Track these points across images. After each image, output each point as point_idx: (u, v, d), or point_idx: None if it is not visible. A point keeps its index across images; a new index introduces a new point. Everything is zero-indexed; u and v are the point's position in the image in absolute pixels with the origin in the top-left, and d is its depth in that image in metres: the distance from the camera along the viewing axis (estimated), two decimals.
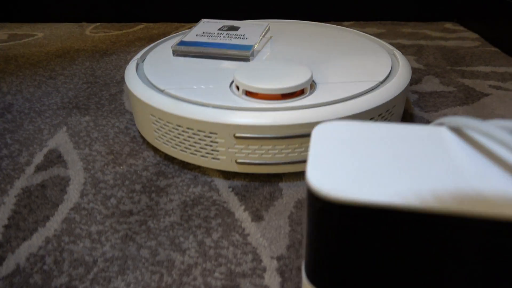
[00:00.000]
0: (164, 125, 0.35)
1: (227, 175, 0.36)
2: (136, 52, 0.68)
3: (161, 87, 0.37)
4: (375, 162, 0.15)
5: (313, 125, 0.32)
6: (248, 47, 0.42)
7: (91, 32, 0.80)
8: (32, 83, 0.56)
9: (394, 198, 0.13)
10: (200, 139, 0.34)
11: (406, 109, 0.47)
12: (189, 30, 0.48)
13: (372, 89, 0.36)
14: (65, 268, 0.27)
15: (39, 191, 0.35)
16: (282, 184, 0.35)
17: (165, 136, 0.36)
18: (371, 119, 0.34)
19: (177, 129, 0.34)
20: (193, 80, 0.38)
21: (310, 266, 0.17)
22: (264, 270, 0.27)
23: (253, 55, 0.42)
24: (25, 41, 0.75)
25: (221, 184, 0.35)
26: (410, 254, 0.14)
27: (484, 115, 0.46)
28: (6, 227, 0.31)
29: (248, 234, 0.30)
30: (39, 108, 0.49)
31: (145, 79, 0.39)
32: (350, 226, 0.14)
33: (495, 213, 0.13)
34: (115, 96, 0.52)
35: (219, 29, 0.47)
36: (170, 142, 0.36)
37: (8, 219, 0.32)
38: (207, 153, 0.34)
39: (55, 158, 0.39)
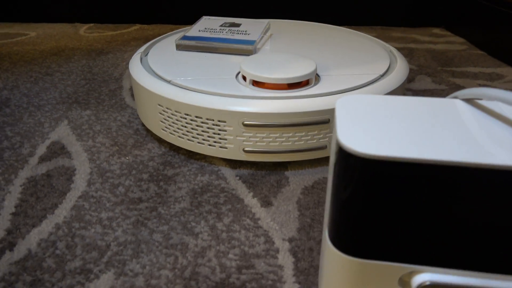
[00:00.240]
0: (172, 114, 0.35)
1: (234, 164, 0.37)
2: (133, 51, 0.68)
3: (168, 78, 0.37)
4: (396, 126, 0.17)
5: (319, 113, 0.33)
6: (251, 42, 0.43)
7: (85, 32, 0.80)
8: (28, 79, 0.56)
9: (420, 153, 0.15)
10: (208, 128, 0.34)
11: None
12: (190, 26, 0.49)
13: (374, 81, 0.37)
14: (78, 252, 0.27)
15: (45, 180, 0.35)
16: (287, 173, 0.36)
17: (172, 126, 0.36)
18: None
19: (185, 118, 0.35)
20: (198, 72, 0.39)
21: (338, 231, 0.18)
22: (277, 251, 0.27)
23: (255, 50, 0.43)
24: (18, 39, 0.75)
25: (228, 173, 0.36)
26: (434, 207, 0.15)
27: None
28: (14, 214, 0.31)
29: (258, 219, 0.30)
30: (38, 103, 0.49)
31: (151, 71, 0.40)
32: (379, 181, 0.15)
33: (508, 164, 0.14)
34: (114, 92, 0.52)
35: (221, 26, 0.48)
36: (177, 132, 0.36)
37: (15, 207, 0.32)
38: (215, 141, 0.35)
39: (58, 150, 0.39)
